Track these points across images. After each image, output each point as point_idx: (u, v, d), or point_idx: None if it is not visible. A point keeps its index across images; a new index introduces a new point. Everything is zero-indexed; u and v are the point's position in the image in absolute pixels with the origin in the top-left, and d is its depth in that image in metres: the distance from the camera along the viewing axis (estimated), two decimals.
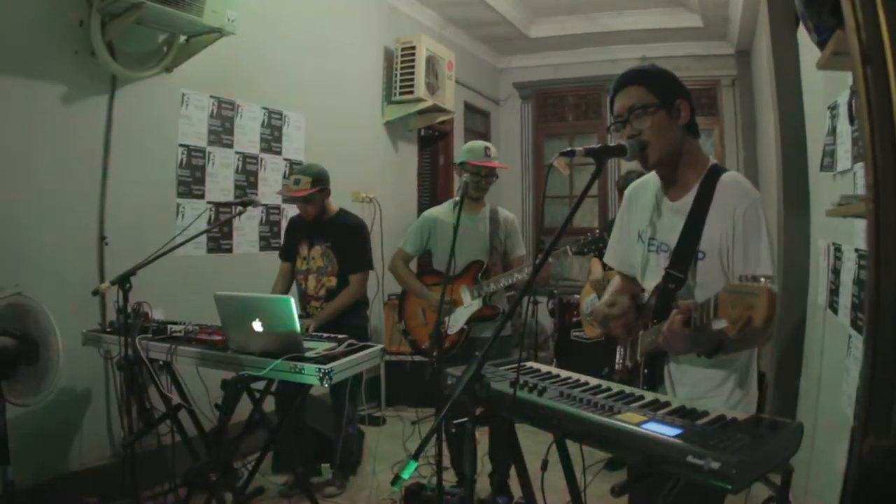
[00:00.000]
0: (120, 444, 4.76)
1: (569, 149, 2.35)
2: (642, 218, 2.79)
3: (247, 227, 6.12)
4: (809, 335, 4.77)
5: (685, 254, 2.55)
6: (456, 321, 4.84)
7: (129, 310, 3.90)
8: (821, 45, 2.79)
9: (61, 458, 4.63)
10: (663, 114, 2.51)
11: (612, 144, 2.46)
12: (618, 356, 2.89)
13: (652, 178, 2.79)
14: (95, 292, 4.10)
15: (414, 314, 5.14)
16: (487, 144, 4.94)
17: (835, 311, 3.70)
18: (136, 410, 4.04)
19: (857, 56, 1.10)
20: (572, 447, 2.56)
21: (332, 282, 5.18)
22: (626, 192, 2.99)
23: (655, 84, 2.55)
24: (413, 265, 5.32)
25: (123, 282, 3.81)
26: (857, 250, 3.19)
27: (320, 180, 5.07)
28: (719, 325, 1.97)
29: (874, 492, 1.17)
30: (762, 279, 1.86)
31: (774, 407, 5.15)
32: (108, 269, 4.78)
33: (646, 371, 2.68)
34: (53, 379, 3.65)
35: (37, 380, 3.68)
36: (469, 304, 4.85)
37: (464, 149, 4.97)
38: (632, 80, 2.59)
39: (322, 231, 5.22)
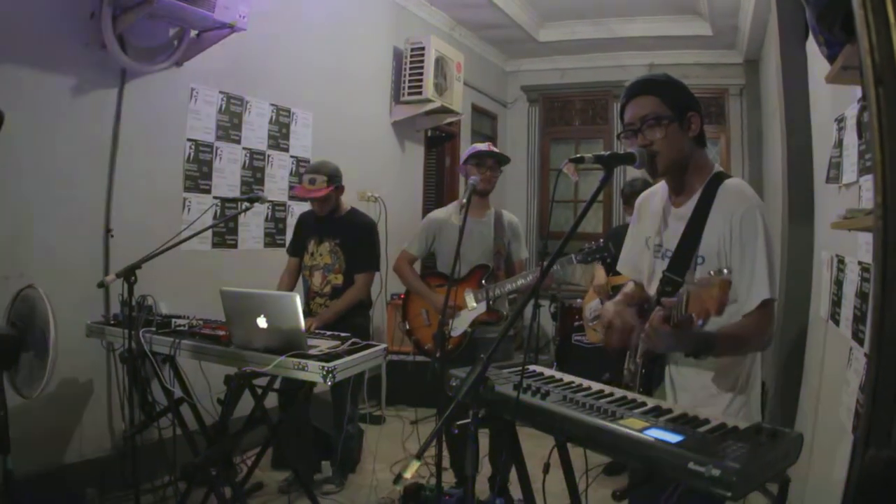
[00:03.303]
0: (121, 437, 4.78)
1: (578, 155, 2.36)
2: (651, 225, 2.82)
3: (252, 223, 6.14)
4: (811, 345, 4.77)
5: (683, 258, 2.58)
6: (459, 324, 4.84)
7: (134, 302, 3.90)
8: (830, 58, 2.80)
9: (61, 449, 4.64)
10: (675, 126, 2.54)
11: (622, 152, 2.48)
12: (626, 361, 2.91)
13: (661, 187, 2.82)
14: (101, 284, 4.08)
15: (417, 314, 5.15)
16: (489, 143, 5.04)
17: (836, 322, 3.71)
18: (138, 403, 4.04)
19: (869, 77, 1.11)
20: (572, 451, 2.57)
21: (339, 279, 5.18)
22: (637, 200, 3.01)
23: (669, 96, 2.57)
24: (417, 266, 5.33)
25: (129, 274, 3.81)
26: (860, 263, 3.20)
27: (335, 178, 5.08)
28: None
29: (874, 500, 1.19)
30: (724, 271, 1.90)
31: (774, 416, 5.16)
32: (114, 261, 4.78)
33: (643, 372, 2.70)
34: (50, 370, 3.63)
35: (38, 370, 3.67)
36: (473, 308, 4.87)
37: (468, 149, 5.01)
38: (645, 90, 2.60)
39: (332, 228, 5.22)
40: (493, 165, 4.90)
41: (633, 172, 6.56)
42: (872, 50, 1.12)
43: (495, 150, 4.92)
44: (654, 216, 2.81)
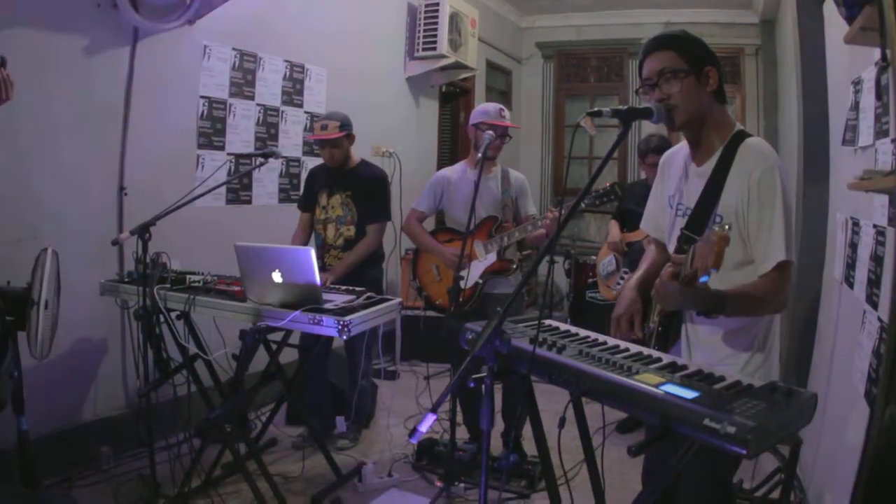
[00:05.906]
0: (135, 394, 4.81)
1: (596, 109, 2.35)
2: (672, 184, 2.82)
3: (266, 179, 6.14)
4: (824, 308, 4.75)
5: (702, 216, 2.59)
6: (471, 276, 4.88)
7: (148, 260, 3.88)
8: (849, 19, 2.78)
9: (75, 408, 4.68)
10: (692, 79, 2.52)
11: (639, 106, 2.46)
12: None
13: (683, 146, 2.80)
14: (115, 242, 4.07)
15: (427, 271, 5.17)
16: (500, 106, 5.03)
17: (850, 285, 3.69)
18: (153, 360, 4.05)
19: (892, 34, 1.10)
20: (587, 410, 2.58)
21: (351, 231, 5.19)
22: (661, 159, 3.01)
23: (686, 50, 2.55)
24: (432, 222, 5.33)
25: (143, 232, 3.77)
26: (875, 226, 3.18)
27: (346, 125, 5.09)
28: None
29: (894, 455, 1.19)
30: (726, 227, 1.91)
31: (787, 379, 5.16)
32: (127, 219, 4.79)
33: (659, 329, 2.71)
34: (43, 329, 3.58)
35: (46, 331, 3.64)
36: (483, 258, 4.89)
37: (478, 110, 5.04)
38: (662, 45, 2.59)
39: (343, 180, 5.22)
40: (503, 133, 4.91)
41: (648, 129, 6.53)
42: None
43: (507, 122, 4.94)
44: (676, 174, 2.81)
